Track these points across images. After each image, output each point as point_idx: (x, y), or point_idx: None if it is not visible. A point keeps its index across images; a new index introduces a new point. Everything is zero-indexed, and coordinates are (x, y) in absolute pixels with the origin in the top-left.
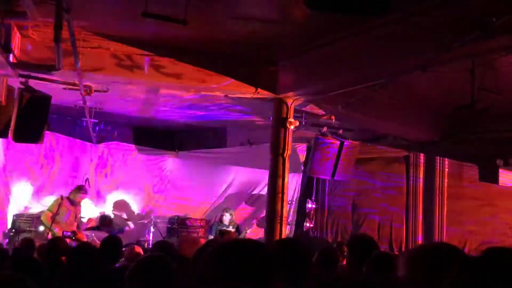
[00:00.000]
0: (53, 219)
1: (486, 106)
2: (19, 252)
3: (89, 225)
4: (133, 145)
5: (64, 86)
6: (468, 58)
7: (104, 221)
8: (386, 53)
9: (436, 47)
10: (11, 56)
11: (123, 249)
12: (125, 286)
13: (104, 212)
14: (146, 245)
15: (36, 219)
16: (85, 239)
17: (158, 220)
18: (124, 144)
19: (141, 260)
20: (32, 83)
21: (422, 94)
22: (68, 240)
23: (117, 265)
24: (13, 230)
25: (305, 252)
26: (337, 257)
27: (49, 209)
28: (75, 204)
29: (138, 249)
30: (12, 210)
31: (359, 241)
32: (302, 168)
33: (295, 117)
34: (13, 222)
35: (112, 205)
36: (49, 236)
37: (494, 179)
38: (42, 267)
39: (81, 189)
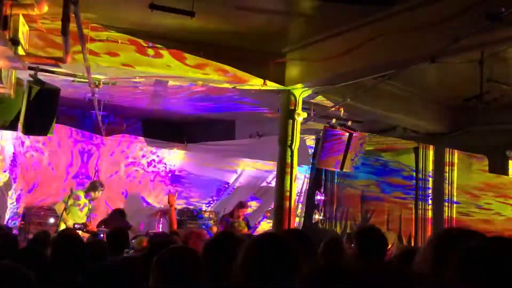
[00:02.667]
0: (67, 211)
1: (496, 97)
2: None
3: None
4: (142, 138)
5: (73, 78)
6: (477, 48)
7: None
8: (395, 44)
9: (445, 37)
10: (19, 48)
11: (132, 240)
12: (152, 273)
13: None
14: None
15: (46, 210)
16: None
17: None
18: (133, 136)
19: (171, 249)
20: (41, 75)
21: (431, 85)
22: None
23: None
24: (23, 222)
25: (309, 241)
26: (343, 248)
27: (63, 201)
28: (89, 198)
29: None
30: (22, 202)
31: (365, 233)
32: (311, 160)
33: (303, 109)
34: (24, 214)
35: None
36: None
37: (504, 171)
38: (46, 259)
39: (96, 185)
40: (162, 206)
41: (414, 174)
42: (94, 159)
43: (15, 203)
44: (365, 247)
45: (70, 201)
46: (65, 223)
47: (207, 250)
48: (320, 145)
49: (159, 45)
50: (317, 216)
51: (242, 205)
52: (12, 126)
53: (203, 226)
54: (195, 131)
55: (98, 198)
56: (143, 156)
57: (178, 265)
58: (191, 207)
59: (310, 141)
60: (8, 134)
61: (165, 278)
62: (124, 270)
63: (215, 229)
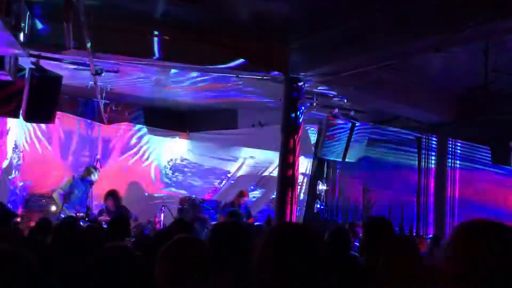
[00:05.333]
0: (65, 198)
1: (500, 87)
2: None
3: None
4: (144, 126)
5: (75, 66)
6: (482, 38)
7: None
8: (399, 34)
9: (450, 27)
10: (21, 35)
11: (133, 229)
12: (159, 264)
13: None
14: (157, 225)
15: (48, 198)
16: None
17: (169, 201)
18: (135, 125)
19: (176, 240)
20: (43, 63)
21: (435, 75)
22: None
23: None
24: (25, 210)
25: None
26: (349, 238)
27: (61, 188)
28: (88, 184)
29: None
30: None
31: (375, 223)
32: (313, 149)
33: (306, 99)
34: (25, 201)
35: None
36: (62, 216)
37: (507, 161)
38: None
39: (91, 169)
40: (163, 195)
41: (416, 164)
42: (96, 147)
43: (17, 190)
44: (374, 237)
45: (70, 189)
46: (66, 211)
47: (214, 239)
48: (323, 135)
49: (161, 33)
50: (318, 206)
51: (242, 194)
52: (14, 113)
53: (206, 215)
54: (198, 120)
55: (96, 181)
56: (145, 144)
57: (185, 255)
58: (193, 196)
59: (313, 130)
60: (11, 122)
61: (172, 268)
62: (121, 257)
63: (221, 219)
